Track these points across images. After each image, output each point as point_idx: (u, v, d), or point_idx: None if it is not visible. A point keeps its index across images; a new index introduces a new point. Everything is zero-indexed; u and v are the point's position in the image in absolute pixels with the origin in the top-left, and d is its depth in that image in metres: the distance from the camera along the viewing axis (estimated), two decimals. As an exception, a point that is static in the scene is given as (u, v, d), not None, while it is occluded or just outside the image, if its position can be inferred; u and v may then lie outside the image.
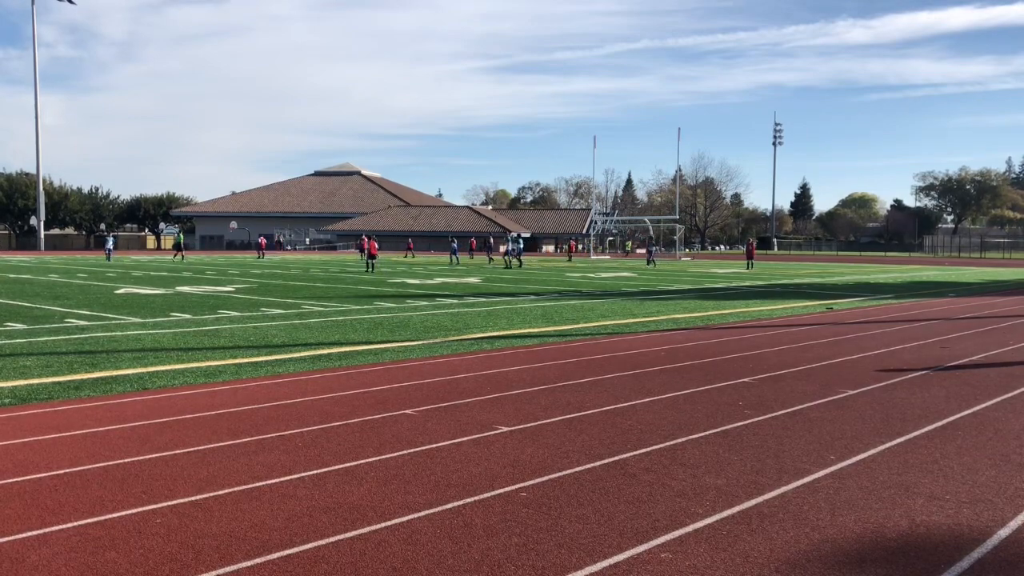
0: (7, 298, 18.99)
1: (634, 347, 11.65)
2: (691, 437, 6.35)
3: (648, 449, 5.98)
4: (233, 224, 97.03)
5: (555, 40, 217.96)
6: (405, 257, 58.61)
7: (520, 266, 37.44)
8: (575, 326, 14.35)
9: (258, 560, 3.89)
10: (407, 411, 7.15)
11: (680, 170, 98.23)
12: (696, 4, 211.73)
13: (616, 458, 5.73)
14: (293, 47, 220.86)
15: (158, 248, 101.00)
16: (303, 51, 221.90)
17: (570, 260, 59.36)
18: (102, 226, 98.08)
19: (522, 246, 41.20)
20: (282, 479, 5.15)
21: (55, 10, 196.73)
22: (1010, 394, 8.26)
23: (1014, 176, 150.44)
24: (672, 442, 6.19)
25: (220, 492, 4.87)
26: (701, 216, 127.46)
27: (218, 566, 3.82)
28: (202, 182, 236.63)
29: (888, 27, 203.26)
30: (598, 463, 5.60)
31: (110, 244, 50.51)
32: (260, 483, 5.06)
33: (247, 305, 17.68)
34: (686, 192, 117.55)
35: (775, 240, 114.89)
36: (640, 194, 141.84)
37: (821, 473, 5.42)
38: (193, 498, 4.75)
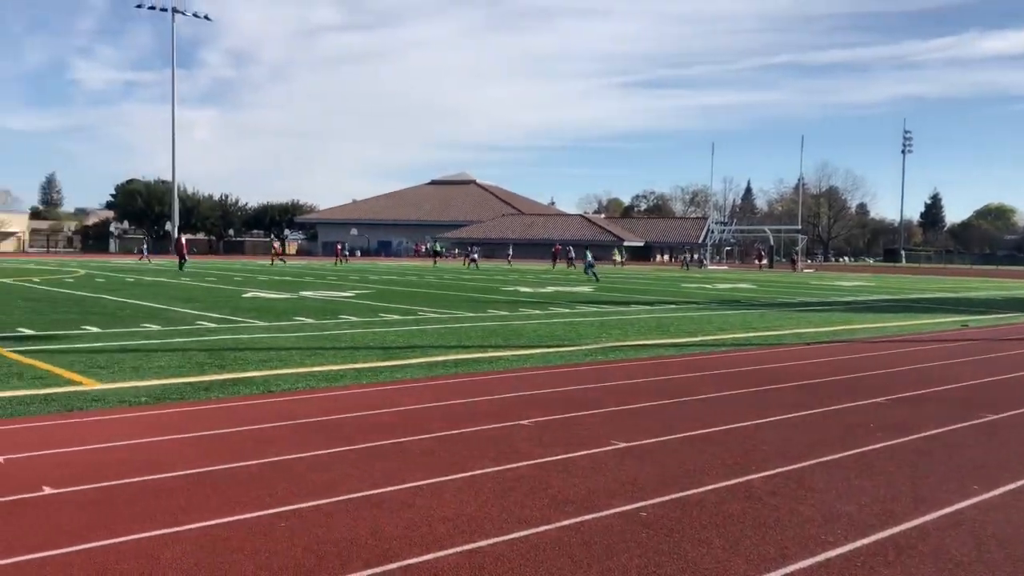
0: (146, 300, 20.05)
1: (756, 362, 11.28)
2: (820, 460, 6.07)
3: (774, 471, 5.74)
4: (353, 231, 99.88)
5: (689, 57, 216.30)
6: (568, 266, 56.84)
7: (596, 280, 37.00)
8: (692, 339, 14.03)
9: (378, 569, 3.91)
10: (522, 422, 7.11)
11: (803, 179, 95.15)
12: (826, 22, 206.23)
13: (740, 480, 5.52)
14: (430, 69, 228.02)
15: (283, 253, 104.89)
16: (441, 73, 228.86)
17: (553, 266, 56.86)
18: (230, 231, 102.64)
19: (591, 258, 40.93)
20: (401, 487, 5.18)
21: (223, 37, 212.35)
22: None
23: None
24: (799, 465, 5.93)
25: (341, 498, 4.93)
26: (824, 226, 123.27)
27: (340, 573, 3.85)
28: (328, 193, 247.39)
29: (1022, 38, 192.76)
30: (721, 484, 5.40)
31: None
32: (380, 490, 5.10)
33: (366, 310, 18.09)
34: (809, 201, 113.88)
35: (903, 252, 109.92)
36: (760, 203, 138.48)
37: (963, 504, 5.07)
38: (315, 503, 4.83)
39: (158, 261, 53.34)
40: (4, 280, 28.59)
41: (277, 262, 52.23)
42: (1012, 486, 5.47)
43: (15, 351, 10.66)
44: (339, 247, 60.84)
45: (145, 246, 60.20)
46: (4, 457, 5.67)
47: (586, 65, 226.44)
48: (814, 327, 16.58)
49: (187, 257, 41.82)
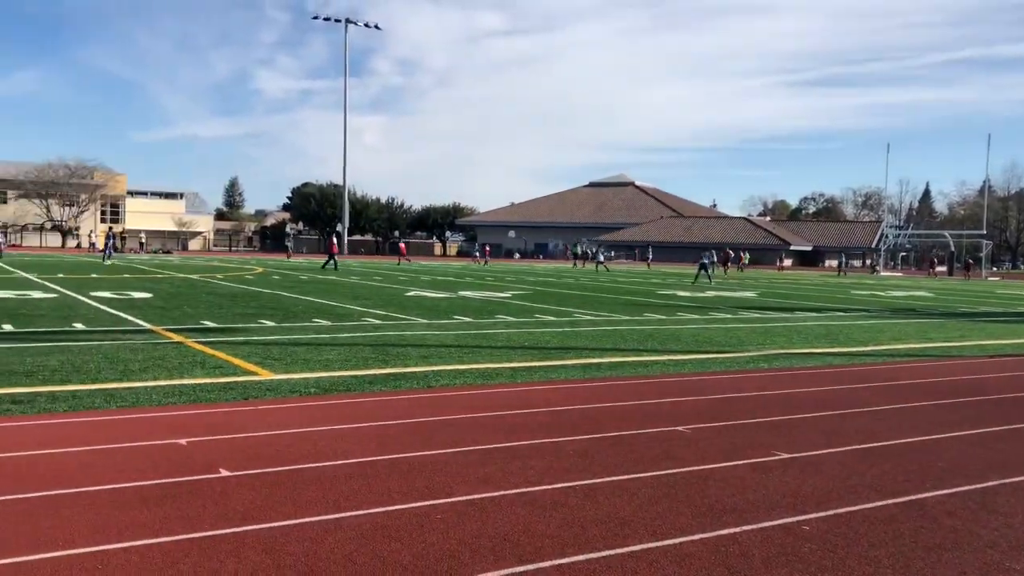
0: (317, 296, 21.12)
1: (932, 374, 10.58)
2: (1005, 481, 5.60)
3: (952, 490, 5.34)
4: (511, 233, 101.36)
5: (863, 53, 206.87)
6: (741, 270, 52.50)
7: (709, 281, 35.69)
8: (863, 348, 13.33)
9: (530, 566, 3.91)
10: (679, 428, 6.96)
11: (988, 180, 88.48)
12: (1015, 13, 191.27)
13: (913, 497, 5.17)
14: (590, 71, 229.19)
15: (444, 254, 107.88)
16: (599, 75, 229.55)
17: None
18: (396, 232, 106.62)
19: (712, 259, 38.34)
20: (554, 486, 5.18)
21: (393, 46, 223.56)
22: None
23: None
24: (981, 485, 5.49)
25: (495, 493, 4.98)
26: (1013, 231, 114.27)
27: (492, 568, 3.88)
28: (488, 195, 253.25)
29: None
30: (891, 501, 5.08)
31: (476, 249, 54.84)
32: (533, 488, 5.12)
33: (522, 311, 18.29)
34: (995, 205, 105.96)
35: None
36: (939, 206, 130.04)
37: None
38: (470, 497, 4.90)
39: (316, 260, 55.96)
40: (191, 276, 30.88)
41: (403, 262, 54.13)
42: None
43: (199, 342, 11.47)
44: (487, 248, 63.97)
45: (291, 245, 65.85)
46: (187, 440, 6.10)
47: (752, 64, 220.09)
48: (998, 339, 15.37)
49: (337, 258, 41.88)
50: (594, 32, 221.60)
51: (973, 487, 5.44)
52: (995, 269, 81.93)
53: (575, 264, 59.23)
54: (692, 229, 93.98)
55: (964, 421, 7.57)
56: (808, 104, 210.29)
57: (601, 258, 56.59)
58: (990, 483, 5.54)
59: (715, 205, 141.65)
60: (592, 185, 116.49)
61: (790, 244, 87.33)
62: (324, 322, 14.66)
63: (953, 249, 72.54)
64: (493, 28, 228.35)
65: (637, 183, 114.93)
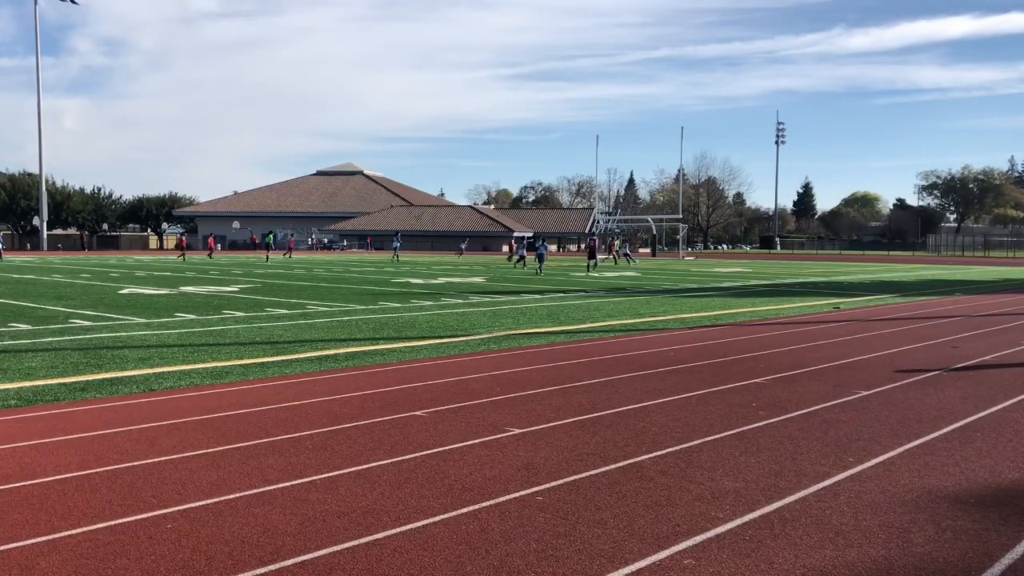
0: (11, 298, 18.92)
1: (643, 347, 11.56)
2: (706, 439, 6.27)
3: (663, 452, 5.89)
4: (235, 224, 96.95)
5: (573, 49, 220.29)
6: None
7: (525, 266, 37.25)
8: (582, 326, 14.26)
9: (272, 567, 3.81)
10: (417, 412, 7.07)
11: (682, 169, 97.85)
12: (702, 17, 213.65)
13: (631, 461, 5.64)
14: (315, 58, 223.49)
15: (160, 248, 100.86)
16: (325, 62, 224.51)
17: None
18: (104, 226, 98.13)
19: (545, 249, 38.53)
20: (294, 482, 5.07)
21: (95, 23, 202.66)
22: (1026, 395, 8.16)
23: (1017, 175, 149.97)
24: (687, 444, 6.11)
25: (231, 496, 4.78)
26: (704, 215, 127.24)
27: (232, 572, 3.73)
28: (211, 184, 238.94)
29: (887, 35, 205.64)
30: (613, 466, 5.51)
31: (396, 244, 51.90)
32: (272, 487, 4.97)
33: (252, 305, 17.60)
34: (689, 191, 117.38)
35: (778, 239, 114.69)
36: (643, 193, 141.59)
37: (840, 476, 5.33)
38: (204, 502, 4.67)
39: (11, 257, 50.39)
40: None
41: (185, 257, 49.38)
42: (883, 457, 5.79)
43: None
44: (211, 239, 57.87)
45: None
46: None
47: (475, 56, 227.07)
48: (696, 312, 17.10)
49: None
50: (314, 18, 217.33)
51: (681, 447, 6.03)
52: (690, 249, 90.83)
53: (268, 257, 51.26)
54: (422, 218, 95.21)
55: (671, 388, 8.36)
56: (527, 97, 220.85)
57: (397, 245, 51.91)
58: (694, 442, 6.17)
59: (443, 194, 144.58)
60: (320, 174, 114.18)
61: (514, 231, 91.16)
62: (23, 326, 13.19)
63: (655, 232, 79.37)
64: (208, 9, 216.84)
65: (366, 172, 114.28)
